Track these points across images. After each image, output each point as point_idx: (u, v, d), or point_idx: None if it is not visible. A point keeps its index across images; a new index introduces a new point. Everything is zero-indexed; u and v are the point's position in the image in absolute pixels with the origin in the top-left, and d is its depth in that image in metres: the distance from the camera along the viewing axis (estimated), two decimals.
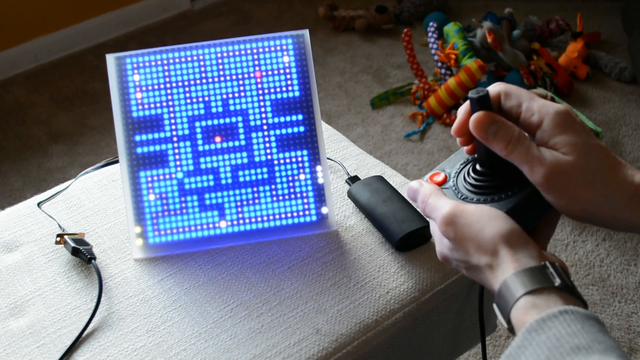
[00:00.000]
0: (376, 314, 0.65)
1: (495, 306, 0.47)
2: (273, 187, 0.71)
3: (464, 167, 0.57)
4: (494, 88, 0.53)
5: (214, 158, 0.71)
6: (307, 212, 0.72)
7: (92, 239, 0.74)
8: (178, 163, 0.70)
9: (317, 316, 0.64)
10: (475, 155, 0.56)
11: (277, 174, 0.71)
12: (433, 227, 0.55)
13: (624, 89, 2.01)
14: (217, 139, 0.71)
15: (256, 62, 0.71)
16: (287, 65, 0.71)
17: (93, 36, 2.42)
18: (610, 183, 0.48)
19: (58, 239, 0.71)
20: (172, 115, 0.70)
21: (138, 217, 0.70)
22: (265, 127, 0.71)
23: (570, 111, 0.50)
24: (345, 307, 0.65)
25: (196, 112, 0.71)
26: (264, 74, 0.71)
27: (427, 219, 0.56)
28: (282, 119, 0.71)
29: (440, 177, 0.57)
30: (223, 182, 0.71)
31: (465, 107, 0.53)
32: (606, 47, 2.20)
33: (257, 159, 0.71)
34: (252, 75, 0.71)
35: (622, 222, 0.49)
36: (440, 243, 0.54)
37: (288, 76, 0.71)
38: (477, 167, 0.55)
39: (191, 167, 0.71)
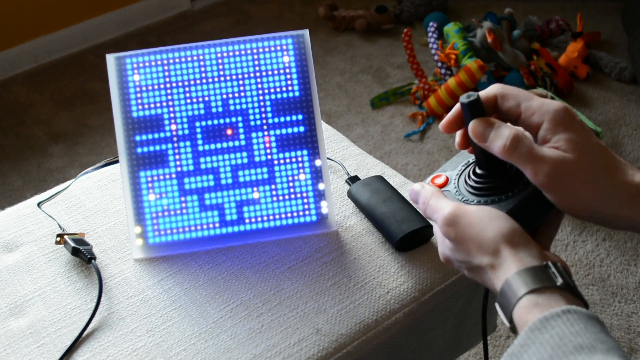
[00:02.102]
0: (376, 314, 0.65)
1: (497, 305, 0.47)
2: (273, 187, 0.71)
3: (465, 169, 0.57)
4: (490, 90, 0.53)
5: (214, 158, 0.71)
6: (307, 212, 0.72)
7: (92, 239, 0.74)
8: (178, 163, 0.70)
9: (317, 316, 0.64)
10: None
11: (277, 174, 0.71)
12: (435, 229, 0.55)
13: (624, 89, 2.01)
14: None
15: (256, 62, 0.71)
16: (287, 65, 0.71)
17: (93, 36, 2.42)
18: (612, 181, 0.48)
19: (58, 239, 0.71)
20: (172, 115, 0.70)
21: (138, 217, 0.70)
22: (265, 127, 0.71)
23: (569, 109, 0.50)
24: (345, 307, 0.65)
25: (196, 112, 0.71)
26: (264, 74, 0.71)
27: (429, 220, 0.56)
28: (282, 119, 0.71)
29: (441, 180, 0.57)
30: (223, 182, 0.71)
31: (458, 105, 0.54)
32: (606, 47, 2.20)
33: (257, 159, 0.71)
34: (252, 75, 0.71)
35: (623, 221, 0.49)
36: (442, 244, 0.54)
37: (288, 76, 0.71)
38: (477, 169, 0.55)
39: (191, 167, 0.71)
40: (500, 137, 0.50)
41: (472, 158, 0.57)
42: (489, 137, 0.51)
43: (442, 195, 0.54)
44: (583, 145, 0.48)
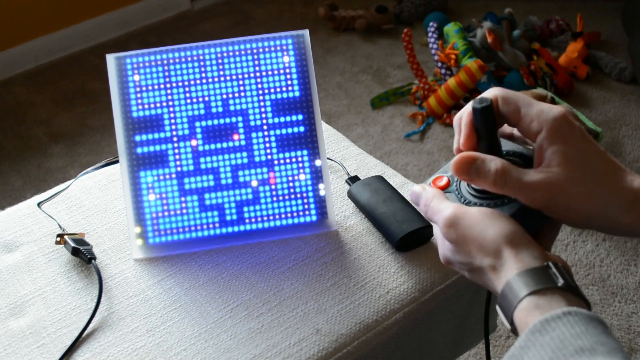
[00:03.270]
0: (376, 314, 0.65)
1: (497, 307, 0.47)
2: (273, 187, 0.71)
3: None
4: (490, 93, 0.52)
5: (214, 158, 0.71)
6: (307, 212, 0.72)
7: (92, 239, 0.74)
8: (178, 163, 0.70)
9: (317, 316, 0.64)
10: None
11: (277, 174, 0.71)
12: (436, 231, 0.55)
13: (624, 89, 2.01)
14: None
15: (256, 62, 0.71)
16: (287, 65, 0.71)
17: (93, 36, 2.42)
18: (609, 190, 0.48)
19: (58, 239, 0.71)
20: (172, 115, 0.70)
21: (138, 217, 0.70)
22: (265, 127, 0.71)
23: (567, 116, 0.49)
24: (345, 307, 0.65)
25: (196, 112, 0.71)
26: (264, 74, 0.71)
27: (430, 222, 0.56)
28: (282, 119, 0.71)
29: (443, 182, 0.57)
30: (223, 182, 0.71)
31: (466, 119, 0.53)
32: (606, 47, 2.20)
33: (257, 159, 0.71)
34: (252, 75, 0.71)
35: (623, 227, 0.49)
36: (443, 246, 0.53)
37: (288, 76, 0.71)
38: None
39: (191, 167, 0.71)
40: (487, 174, 0.50)
41: None
42: (474, 175, 0.51)
43: (443, 197, 0.54)
44: (577, 157, 0.48)
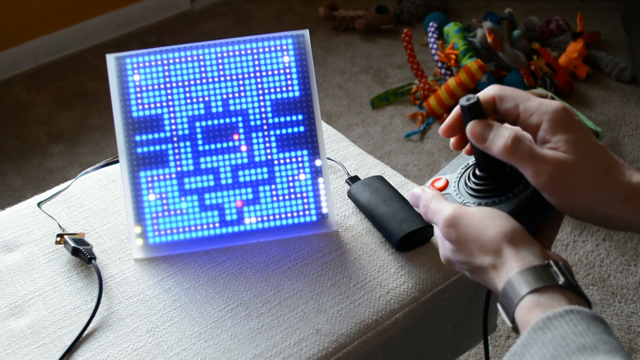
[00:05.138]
0: (376, 314, 0.65)
1: (499, 305, 0.48)
2: (273, 187, 0.71)
3: (465, 171, 0.57)
4: (488, 92, 0.53)
5: (214, 158, 0.71)
6: (307, 212, 0.72)
7: (92, 239, 0.74)
8: (178, 163, 0.70)
9: (317, 316, 0.64)
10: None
11: (277, 174, 0.71)
12: (436, 231, 0.55)
13: (624, 89, 2.01)
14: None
15: (256, 62, 0.71)
16: (287, 65, 0.71)
17: (93, 36, 2.42)
18: (610, 182, 0.48)
19: (58, 239, 0.71)
20: (172, 115, 0.70)
21: (138, 217, 0.70)
22: (265, 127, 0.71)
23: (568, 109, 0.50)
24: (345, 307, 0.65)
25: (196, 112, 0.71)
26: (264, 74, 0.71)
27: (431, 223, 0.56)
28: (282, 119, 0.71)
29: (441, 183, 0.57)
30: (223, 182, 0.71)
31: (457, 109, 0.54)
32: (606, 47, 2.20)
33: (257, 159, 0.71)
34: (252, 75, 0.71)
35: (620, 221, 0.49)
36: (443, 246, 0.54)
37: (288, 76, 0.71)
38: (477, 171, 0.55)
39: (191, 167, 0.71)
40: (501, 138, 0.50)
41: (471, 160, 0.57)
42: (488, 138, 0.51)
43: (442, 197, 0.54)
44: (581, 146, 0.48)
